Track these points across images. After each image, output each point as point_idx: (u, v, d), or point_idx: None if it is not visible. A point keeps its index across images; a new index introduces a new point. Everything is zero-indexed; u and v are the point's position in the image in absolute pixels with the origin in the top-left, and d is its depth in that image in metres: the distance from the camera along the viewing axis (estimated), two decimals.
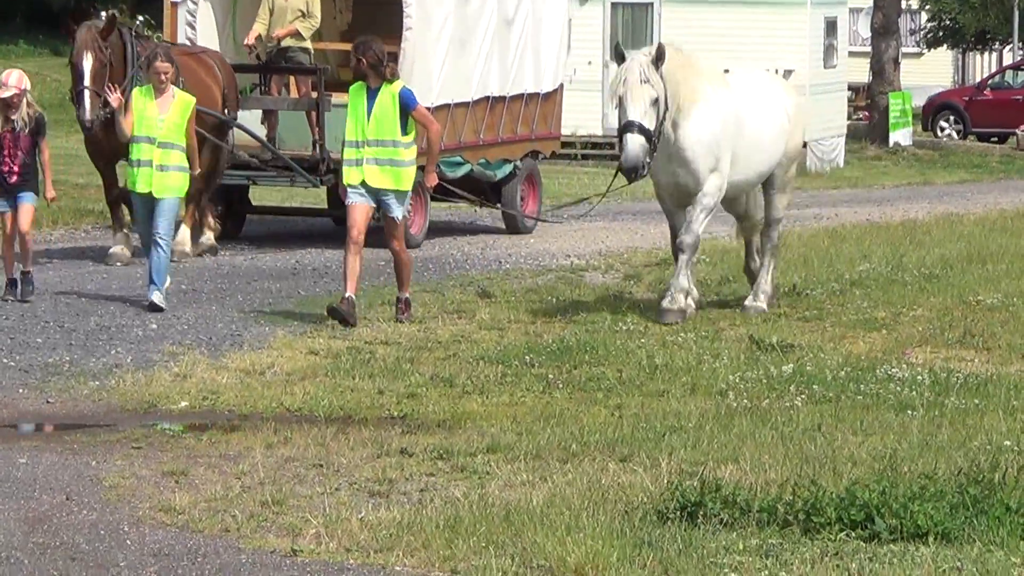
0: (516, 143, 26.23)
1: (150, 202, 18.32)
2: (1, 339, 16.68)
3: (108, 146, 21.36)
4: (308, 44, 24.18)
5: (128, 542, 10.45)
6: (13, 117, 18.46)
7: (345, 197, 18.07)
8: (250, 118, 23.57)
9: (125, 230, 21.95)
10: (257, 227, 25.63)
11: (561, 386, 15.47)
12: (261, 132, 23.73)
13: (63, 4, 61.24)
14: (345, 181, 17.87)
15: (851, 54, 49.32)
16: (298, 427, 13.69)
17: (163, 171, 18.27)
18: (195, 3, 24.80)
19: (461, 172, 24.40)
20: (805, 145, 25.34)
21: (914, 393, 15.89)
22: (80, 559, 10.08)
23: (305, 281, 22.15)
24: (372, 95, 17.79)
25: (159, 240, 18.18)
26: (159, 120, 18.35)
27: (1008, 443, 13.32)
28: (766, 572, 9.81)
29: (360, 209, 17.77)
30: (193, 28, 24.58)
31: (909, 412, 14.99)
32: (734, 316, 19.99)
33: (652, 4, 44.10)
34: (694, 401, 15.09)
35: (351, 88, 18.09)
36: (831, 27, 45.58)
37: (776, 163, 19.38)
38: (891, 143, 52.15)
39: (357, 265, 17.83)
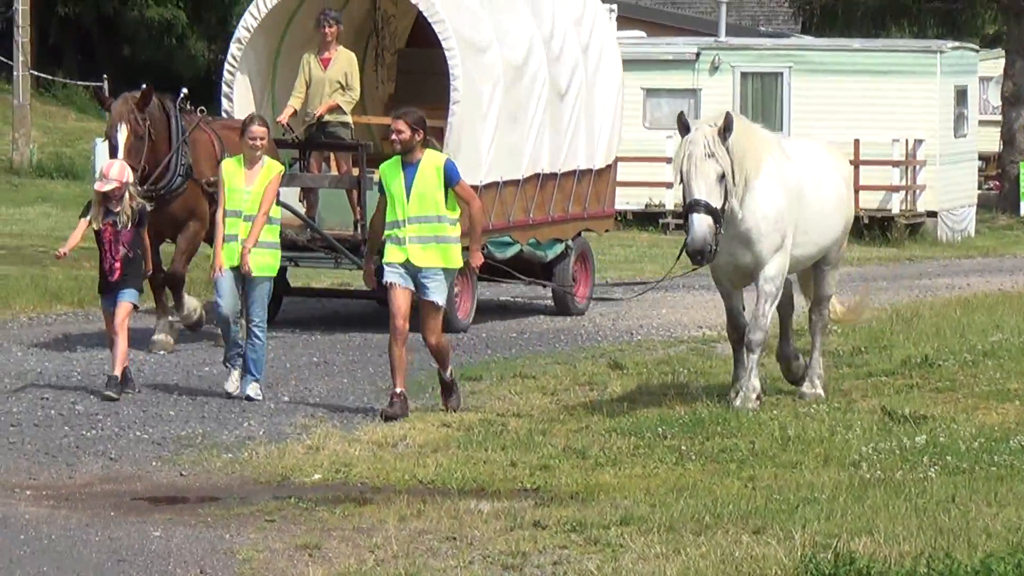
0: (568, 222, 24.97)
1: (238, 280, 17.41)
2: (134, 411, 16.69)
3: (150, 225, 20.16)
4: (348, 118, 22.90)
5: None
6: (115, 211, 17.50)
7: (370, 281, 17.12)
8: (289, 196, 22.19)
9: (169, 317, 21.10)
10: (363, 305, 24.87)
11: (694, 458, 15.29)
12: (300, 211, 22.92)
13: (192, 74, 61.53)
14: (386, 260, 16.72)
15: (981, 123, 48.46)
16: (431, 499, 13.61)
17: (256, 249, 17.36)
18: (232, 75, 23.56)
19: (510, 252, 23.60)
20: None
21: None
22: None
23: None
24: (410, 169, 16.68)
25: (253, 328, 17.44)
26: (245, 192, 17.42)
27: None
28: None
29: (403, 293, 16.57)
30: (230, 100, 23.31)
31: None
32: (866, 387, 19.66)
33: (782, 73, 43.94)
34: (827, 472, 14.84)
35: (383, 166, 16.93)
36: (961, 96, 44.95)
37: (836, 237, 18.42)
38: (1022, 212, 51.11)
39: (404, 356, 16.70)
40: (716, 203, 16.10)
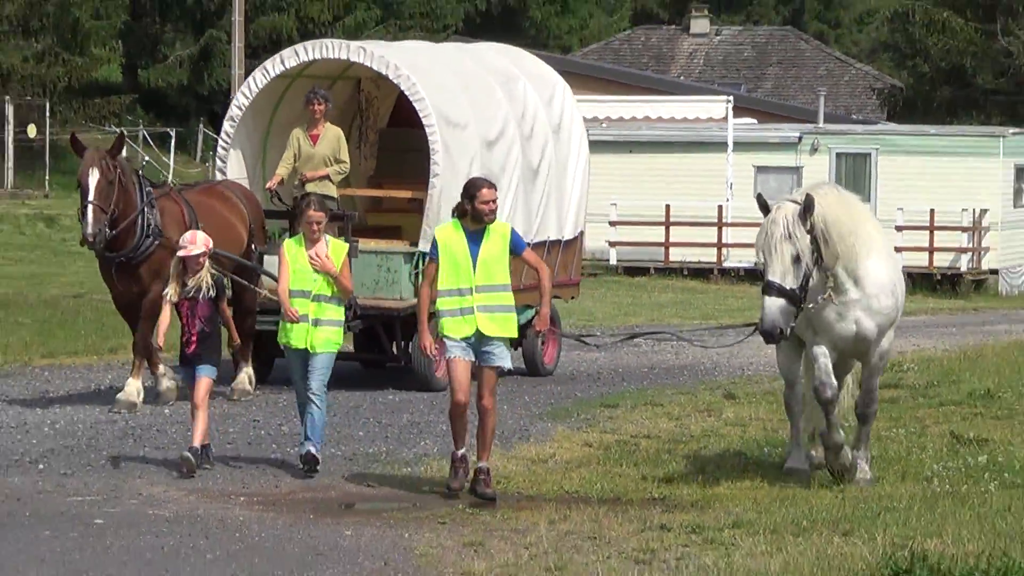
0: (537, 290, 20.81)
1: (306, 358, 14.94)
2: (330, 433, 16.38)
3: (131, 295, 18.44)
4: (334, 191, 20.30)
5: None
6: (189, 284, 14.86)
7: (427, 351, 14.32)
8: (276, 262, 18.45)
9: (161, 367, 18.25)
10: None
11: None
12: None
13: None
14: (447, 333, 13.88)
15: None
16: (575, 506, 13.61)
17: (318, 326, 14.86)
18: (225, 150, 21.22)
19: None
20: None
21: None
22: None
23: (581, 385, 21.77)
24: (474, 237, 13.94)
25: (313, 398, 14.81)
26: (312, 273, 14.86)
27: None
28: None
29: (466, 367, 13.91)
30: (223, 174, 20.95)
31: None
32: (937, 415, 19.42)
33: (870, 154, 44.22)
34: (904, 486, 14.76)
35: (438, 230, 14.34)
36: (1020, 172, 45.20)
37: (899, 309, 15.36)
38: None
39: (466, 423, 14.08)
40: (791, 284, 13.87)
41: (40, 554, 11.89)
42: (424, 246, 19.05)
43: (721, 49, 66.05)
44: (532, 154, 22.03)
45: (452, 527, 12.81)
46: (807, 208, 13.59)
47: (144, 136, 56.63)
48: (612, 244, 43.53)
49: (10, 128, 50.59)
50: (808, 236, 13.74)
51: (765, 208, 13.89)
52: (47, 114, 52.82)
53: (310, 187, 19.22)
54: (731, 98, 48.06)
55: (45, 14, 55.76)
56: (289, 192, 20.10)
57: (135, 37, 61.96)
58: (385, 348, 19.47)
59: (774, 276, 13.66)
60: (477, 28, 63.95)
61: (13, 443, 16.45)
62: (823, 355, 14.18)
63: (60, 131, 50.89)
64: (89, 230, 17.21)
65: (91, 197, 17.14)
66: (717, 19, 69.91)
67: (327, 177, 19.73)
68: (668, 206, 42.84)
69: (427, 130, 20.11)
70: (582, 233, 24.43)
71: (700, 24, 66.09)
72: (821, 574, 11.15)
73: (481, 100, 21.60)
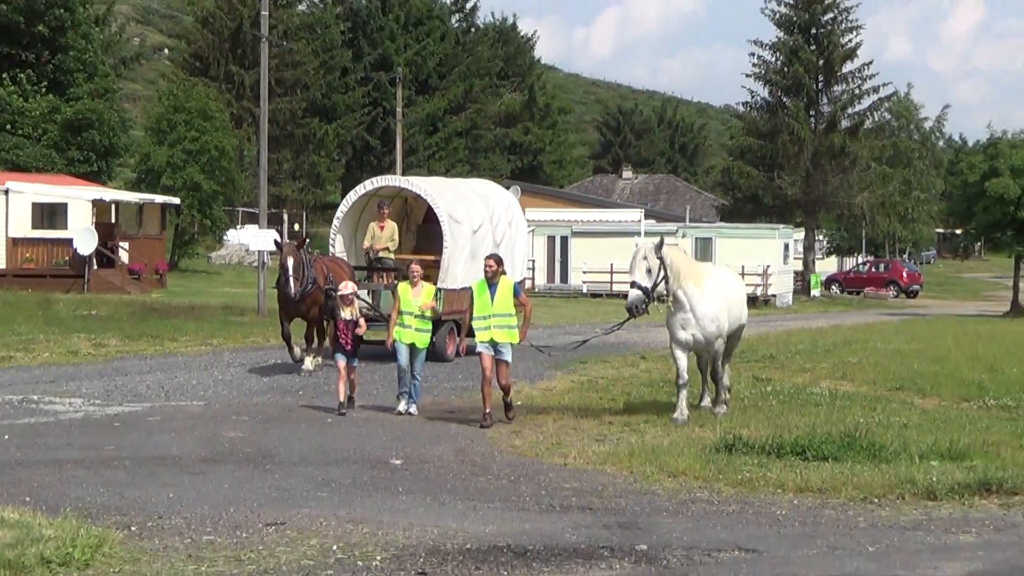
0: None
1: (410, 350, 17.50)
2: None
3: (295, 311, 21.75)
4: (392, 256, 24.49)
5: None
6: (343, 313, 18.01)
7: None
8: (363, 294, 22.64)
9: (298, 349, 22.21)
10: None
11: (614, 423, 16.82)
12: (369, 300, 23.55)
13: None
14: (479, 339, 16.73)
15: (795, 258, 65.19)
16: (566, 413, 17.21)
17: (418, 332, 17.56)
18: (334, 237, 25.28)
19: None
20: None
21: (823, 399, 19.09)
22: None
23: (568, 355, 23.91)
24: (494, 286, 16.72)
25: (416, 375, 17.54)
26: (414, 301, 17.54)
27: (862, 421, 16.31)
28: (768, 470, 12.82)
29: (489, 357, 16.61)
30: (333, 247, 25.11)
31: (820, 407, 18.14)
32: (745, 367, 22.48)
33: (712, 238, 57.90)
34: (731, 404, 17.53)
35: (475, 284, 17.19)
36: (785, 247, 59.63)
37: (743, 325, 18.37)
38: (811, 295, 66.18)
39: (490, 392, 16.76)
40: (644, 284, 16.44)
41: (301, 436, 15.32)
42: (441, 284, 23.50)
43: (638, 185, 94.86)
44: (497, 235, 26.27)
45: (504, 426, 16.58)
46: (659, 245, 16.61)
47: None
48: (584, 282, 58.42)
49: (284, 227, 65.18)
50: (657, 261, 16.45)
51: (646, 244, 16.79)
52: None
53: (382, 254, 24.64)
54: (642, 210, 67.08)
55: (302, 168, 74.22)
56: (365, 257, 24.75)
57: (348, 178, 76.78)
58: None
59: (634, 279, 16.48)
60: (517, 173, 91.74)
61: (271, 386, 20.19)
62: (681, 358, 16.82)
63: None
64: (292, 292, 21.07)
65: (290, 272, 21.06)
66: (636, 170, 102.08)
67: (387, 248, 24.64)
68: (612, 264, 53.72)
69: (441, 224, 24.63)
70: (525, 279, 29.32)
71: (627, 173, 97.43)
72: (688, 445, 14.53)
73: (470, 207, 25.73)
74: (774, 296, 56.64)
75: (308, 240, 23.21)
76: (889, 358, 25.90)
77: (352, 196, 25.46)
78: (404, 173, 60.80)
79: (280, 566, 8.90)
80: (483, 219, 25.78)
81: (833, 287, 73.90)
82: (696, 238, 56.09)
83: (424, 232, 26.76)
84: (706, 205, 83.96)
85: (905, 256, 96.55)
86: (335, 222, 25.48)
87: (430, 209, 25.43)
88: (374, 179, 26.21)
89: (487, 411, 16.53)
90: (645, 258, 16.37)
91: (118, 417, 16.73)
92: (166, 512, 10.79)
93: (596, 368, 23.79)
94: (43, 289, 40.51)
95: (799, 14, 69.18)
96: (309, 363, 21.74)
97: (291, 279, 20.94)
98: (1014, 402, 18.63)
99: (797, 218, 68.66)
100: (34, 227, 43.12)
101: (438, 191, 25.56)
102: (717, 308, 16.81)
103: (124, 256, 44.86)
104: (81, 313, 33.73)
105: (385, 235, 24.54)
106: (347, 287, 18.24)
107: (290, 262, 20.96)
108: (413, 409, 17.32)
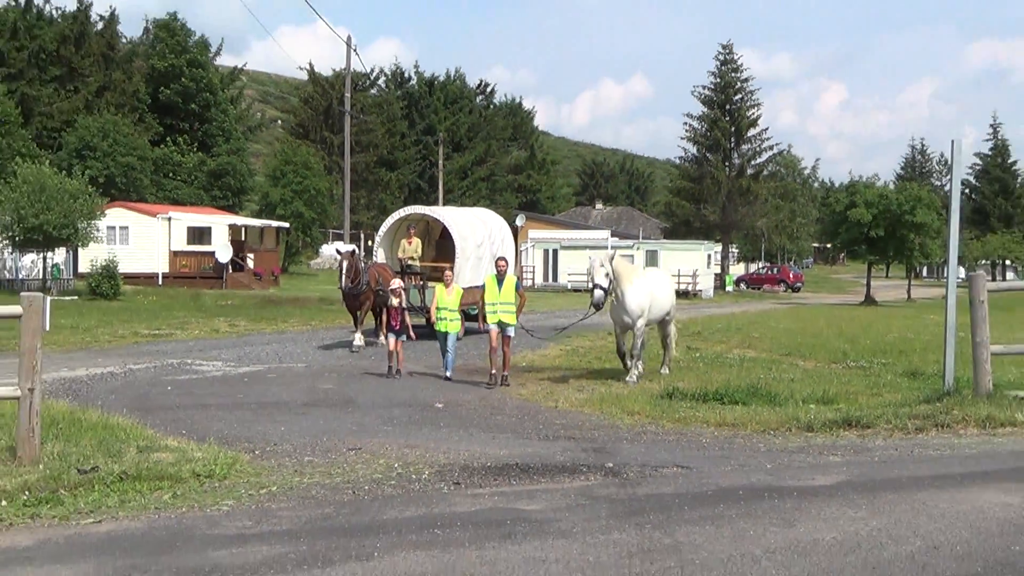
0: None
1: (445, 336, 16.80)
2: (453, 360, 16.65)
3: (354, 305, 20.74)
4: (418, 264, 23.45)
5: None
6: (396, 302, 17.17)
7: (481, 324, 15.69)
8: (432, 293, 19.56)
9: (359, 331, 20.76)
10: None
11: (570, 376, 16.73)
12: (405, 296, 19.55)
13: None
14: (490, 321, 16.00)
15: (715, 265, 63.57)
16: (557, 372, 16.72)
17: (451, 322, 16.81)
18: (377, 250, 23.96)
19: (474, 311, 21.82)
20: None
21: (735, 362, 18.56)
22: None
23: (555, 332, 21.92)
24: (501, 280, 16.06)
25: (450, 350, 16.71)
26: (448, 298, 16.81)
27: (762, 376, 15.69)
28: (696, 411, 12.49)
29: (496, 332, 15.98)
30: (377, 256, 23.72)
31: (733, 367, 17.62)
32: (682, 340, 20.73)
33: (658, 251, 55.65)
34: (673, 366, 16.92)
35: (489, 277, 16.33)
36: (709, 257, 58.01)
37: (668, 309, 17.27)
38: (726, 290, 62.07)
39: (496, 360, 16.01)
40: (604, 285, 15.69)
41: (372, 388, 15.09)
42: (456, 284, 19.38)
43: (606, 214, 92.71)
44: (493, 248, 25.17)
45: (512, 380, 16.13)
46: (611, 258, 15.99)
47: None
48: (569, 281, 56.43)
49: (361, 243, 63.16)
50: (610, 268, 15.86)
51: (599, 256, 15.81)
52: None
53: (409, 262, 23.38)
54: (609, 231, 68.31)
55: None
56: (396, 263, 23.40)
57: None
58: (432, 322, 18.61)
59: (597, 281, 15.65)
60: (522, 205, 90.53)
61: (351, 354, 19.50)
62: (619, 335, 16.21)
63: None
64: (341, 286, 20.44)
65: (343, 272, 20.34)
66: (604, 203, 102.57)
67: (413, 258, 23.55)
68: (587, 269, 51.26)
69: (454, 239, 23.86)
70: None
71: (599, 205, 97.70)
72: (641, 393, 14.11)
73: (474, 228, 25.01)
74: (701, 291, 55.67)
75: (355, 250, 21.99)
76: (780, 333, 25.26)
77: (389, 220, 24.68)
78: (443, 205, 60.90)
79: (358, 478, 8.74)
80: (483, 236, 25.19)
81: (741, 285, 72.73)
82: (647, 251, 55.65)
83: (440, 246, 26.02)
84: (654, 228, 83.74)
85: (791, 262, 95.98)
86: (377, 238, 24.55)
87: (445, 228, 24.80)
88: (404, 208, 25.42)
89: (492, 371, 15.81)
90: (603, 265, 15.78)
91: (246, 375, 16.54)
92: (279, 440, 10.65)
93: (578, 341, 23.13)
94: (194, 287, 41.27)
95: (718, 95, 69.13)
96: (358, 339, 20.64)
97: (343, 276, 20.21)
98: (867, 363, 18.07)
99: (716, 236, 68.07)
100: (188, 243, 43.75)
101: (451, 216, 24.95)
102: (640, 299, 16.10)
103: (250, 263, 45.59)
104: (220, 303, 33.92)
105: (412, 248, 23.76)
106: (396, 283, 17.59)
107: (344, 265, 20.30)
108: (449, 373, 16.69)
